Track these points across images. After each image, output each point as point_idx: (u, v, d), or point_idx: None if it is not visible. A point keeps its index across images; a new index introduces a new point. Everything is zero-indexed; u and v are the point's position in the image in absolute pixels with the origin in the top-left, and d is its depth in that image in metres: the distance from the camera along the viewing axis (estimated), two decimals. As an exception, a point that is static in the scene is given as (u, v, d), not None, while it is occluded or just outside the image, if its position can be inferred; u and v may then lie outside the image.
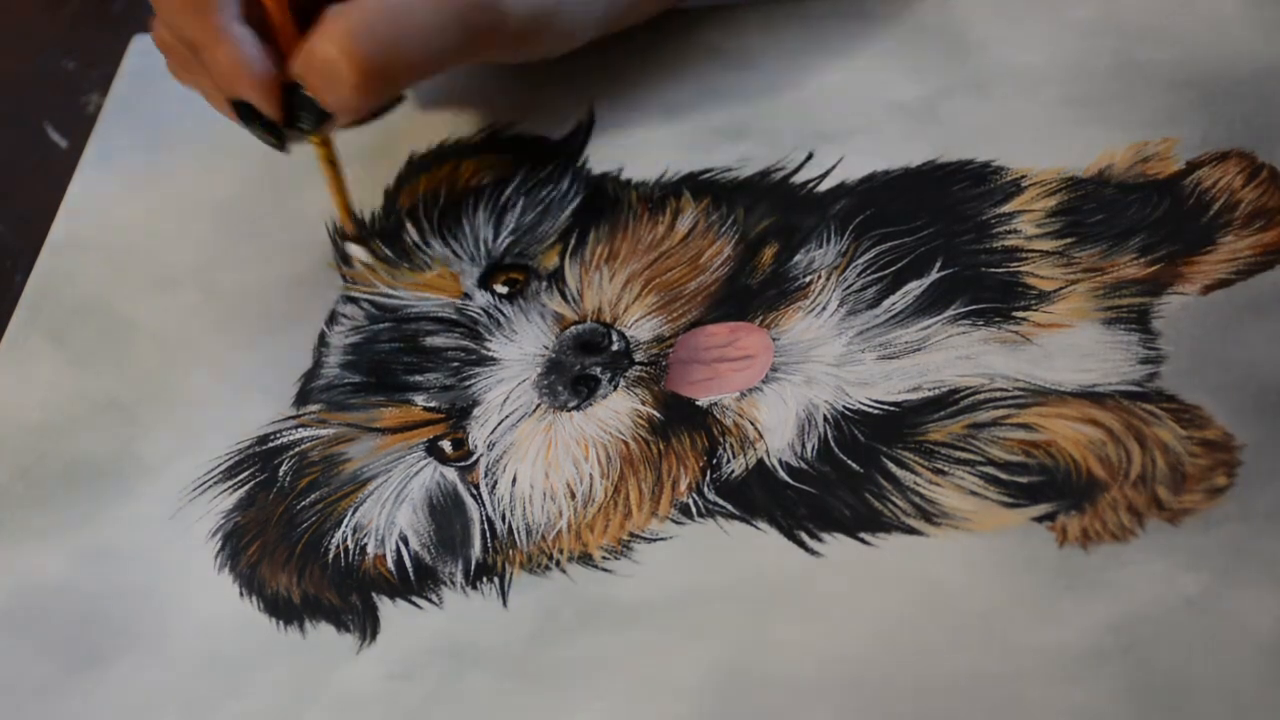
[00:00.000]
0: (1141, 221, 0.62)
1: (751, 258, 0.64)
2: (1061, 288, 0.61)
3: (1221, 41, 0.67)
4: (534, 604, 0.57)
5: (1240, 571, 0.53)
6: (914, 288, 0.62)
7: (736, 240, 0.65)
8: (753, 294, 0.63)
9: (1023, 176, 0.65)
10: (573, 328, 0.64)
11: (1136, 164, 0.64)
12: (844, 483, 0.58)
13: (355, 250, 0.67)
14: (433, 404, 0.63)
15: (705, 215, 0.66)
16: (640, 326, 0.63)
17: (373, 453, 0.62)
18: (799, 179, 0.67)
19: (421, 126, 0.72)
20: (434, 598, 0.58)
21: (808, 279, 0.63)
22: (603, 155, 0.69)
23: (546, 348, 0.63)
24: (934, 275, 0.62)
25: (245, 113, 0.63)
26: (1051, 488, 0.56)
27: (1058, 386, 0.58)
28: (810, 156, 0.67)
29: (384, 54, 0.61)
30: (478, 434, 0.62)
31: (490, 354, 0.64)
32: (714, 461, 0.59)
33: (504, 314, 0.65)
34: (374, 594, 0.59)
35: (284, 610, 0.59)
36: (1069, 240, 0.62)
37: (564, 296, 0.65)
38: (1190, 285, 0.60)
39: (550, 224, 0.67)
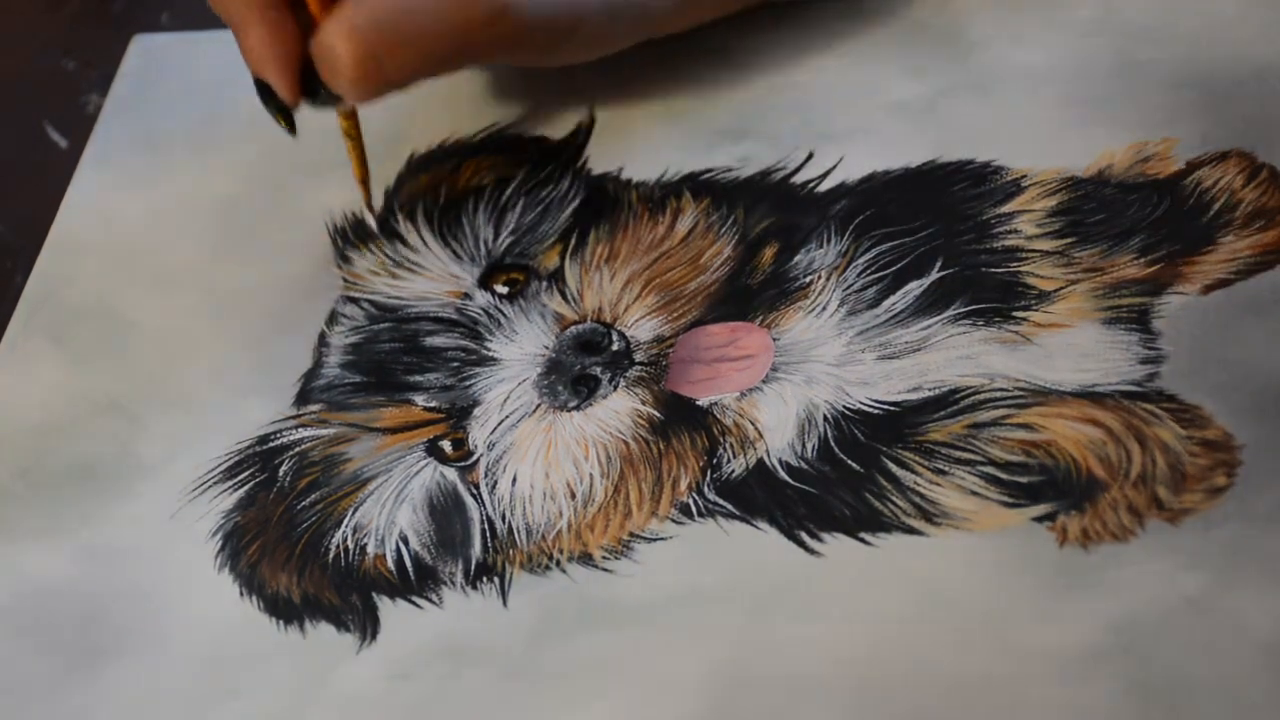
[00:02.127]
0: (1141, 221, 0.62)
1: (751, 258, 0.64)
2: (1061, 288, 0.61)
3: (1221, 41, 0.67)
4: (534, 604, 0.57)
5: (1240, 571, 0.53)
6: (914, 288, 0.62)
7: (736, 240, 0.65)
8: (753, 294, 0.63)
9: (1023, 176, 0.65)
10: (573, 328, 0.64)
11: (1136, 164, 0.64)
12: (844, 482, 0.58)
13: (369, 218, 0.69)
14: (433, 404, 0.63)
15: (705, 215, 0.66)
16: (640, 326, 0.63)
17: (373, 453, 0.62)
18: (799, 179, 0.67)
19: (421, 126, 0.72)
20: (434, 598, 0.58)
21: (808, 279, 0.63)
22: (603, 155, 0.69)
23: (546, 348, 0.63)
24: (934, 275, 0.62)
25: (263, 92, 0.65)
26: (1052, 488, 0.56)
27: (1058, 386, 0.58)
28: (810, 156, 0.67)
29: (383, 53, 0.62)
30: (478, 434, 0.62)
31: (490, 354, 0.64)
32: (714, 461, 0.59)
33: (504, 314, 0.65)
34: (374, 594, 0.59)
35: (284, 610, 0.59)
36: (1069, 240, 0.62)
37: (564, 296, 0.65)
38: (1190, 285, 0.60)
39: (550, 224, 0.67)
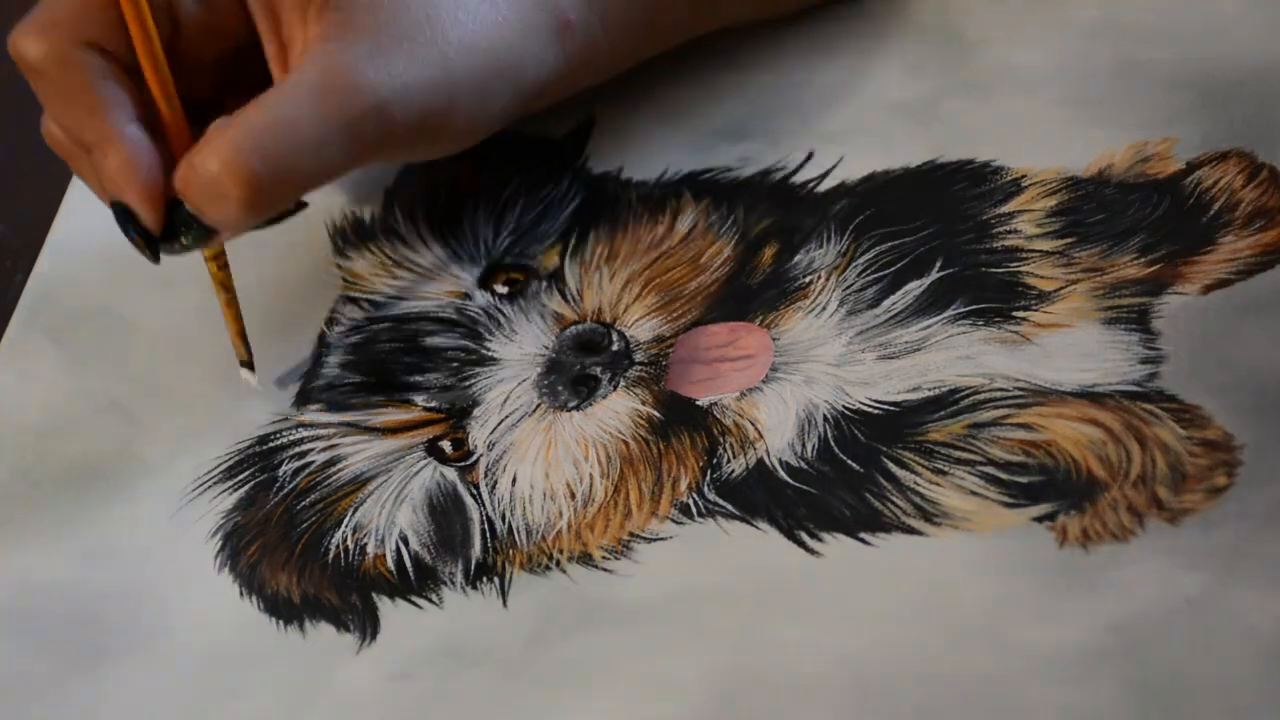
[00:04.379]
0: (1141, 221, 0.62)
1: (751, 258, 0.64)
2: (1061, 288, 0.61)
3: (1221, 41, 0.67)
4: (534, 604, 0.57)
5: (1240, 571, 0.53)
6: (914, 288, 0.62)
7: (736, 240, 0.65)
8: (753, 294, 0.63)
9: (1023, 176, 0.65)
10: (573, 328, 0.64)
11: (1136, 164, 0.64)
12: (844, 482, 0.58)
13: (246, 376, 0.65)
14: (433, 404, 0.63)
15: (705, 215, 0.66)
16: (640, 326, 0.63)
17: (373, 453, 0.62)
18: (799, 179, 0.67)
19: (421, 126, 0.72)
20: (434, 598, 0.58)
21: (808, 279, 0.63)
22: (603, 155, 0.69)
23: (546, 348, 0.63)
24: (934, 275, 0.62)
25: (123, 217, 0.61)
26: (1051, 488, 0.56)
27: (1058, 386, 0.58)
28: (810, 156, 0.67)
29: (270, 170, 0.58)
30: (478, 434, 0.62)
31: (490, 354, 0.64)
32: (714, 461, 0.59)
33: (504, 314, 0.65)
34: (374, 594, 0.59)
35: (284, 610, 0.59)
36: (1069, 240, 0.62)
37: (564, 296, 0.65)
38: (1190, 285, 0.60)
39: (550, 224, 0.67)
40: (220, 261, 0.63)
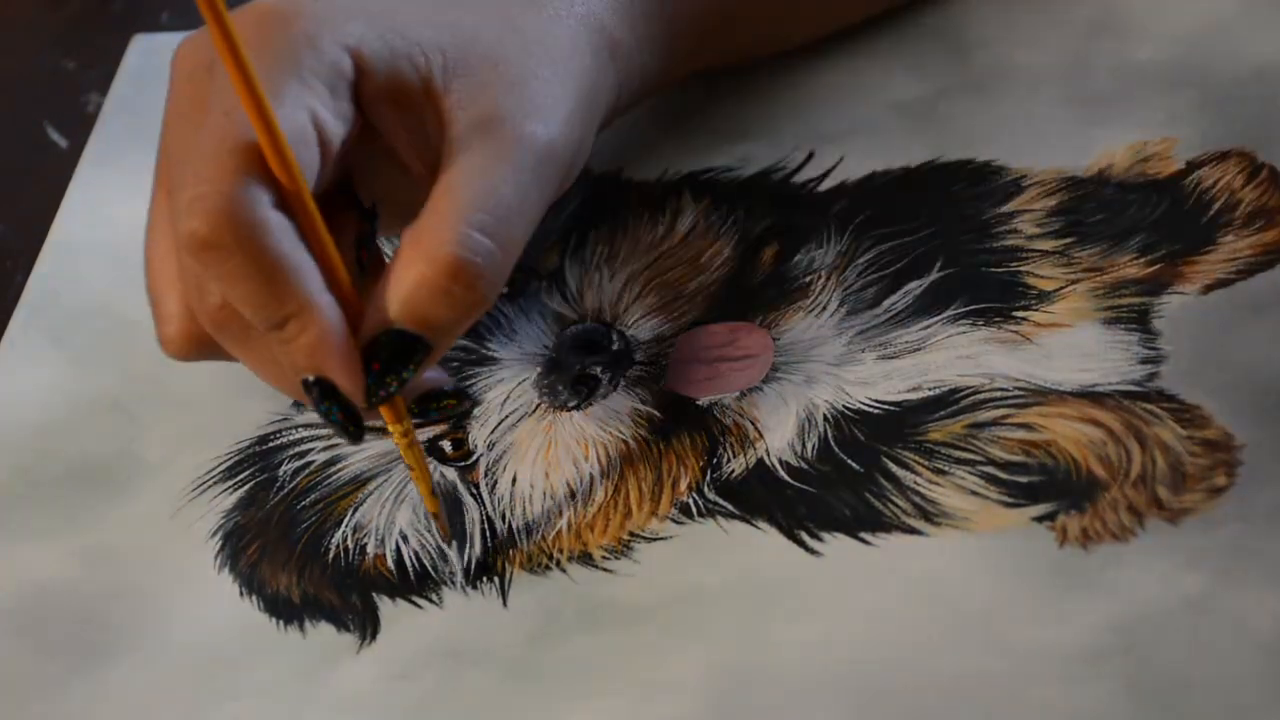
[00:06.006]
0: (1141, 221, 0.62)
1: (751, 258, 0.64)
2: (1061, 287, 0.61)
3: (1221, 41, 0.67)
4: (534, 604, 0.57)
5: (1240, 571, 0.53)
6: (914, 287, 0.62)
7: (736, 240, 0.65)
8: (753, 294, 0.63)
9: (1023, 176, 0.65)
10: (573, 327, 0.64)
11: (1136, 164, 0.64)
12: (844, 482, 0.58)
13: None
14: (433, 404, 0.63)
15: (705, 215, 0.66)
16: (640, 326, 0.63)
17: (373, 453, 0.62)
18: (799, 179, 0.67)
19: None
20: (434, 598, 0.58)
21: (808, 279, 0.63)
22: (603, 155, 0.69)
23: (546, 347, 0.63)
24: (934, 275, 0.62)
25: (322, 393, 0.54)
26: (1052, 487, 0.56)
27: (1058, 386, 0.59)
28: (810, 156, 0.67)
29: (499, 244, 0.54)
30: (478, 434, 0.62)
31: (490, 354, 0.64)
32: (714, 461, 0.59)
33: (504, 314, 0.65)
34: (374, 594, 0.59)
35: (284, 610, 0.59)
36: (1069, 240, 0.62)
37: (564, 296, 0.65)
38: (1190, 285, 0.60)
39: (550, 224, 0.67)
40: (411, 438, 0.57)
